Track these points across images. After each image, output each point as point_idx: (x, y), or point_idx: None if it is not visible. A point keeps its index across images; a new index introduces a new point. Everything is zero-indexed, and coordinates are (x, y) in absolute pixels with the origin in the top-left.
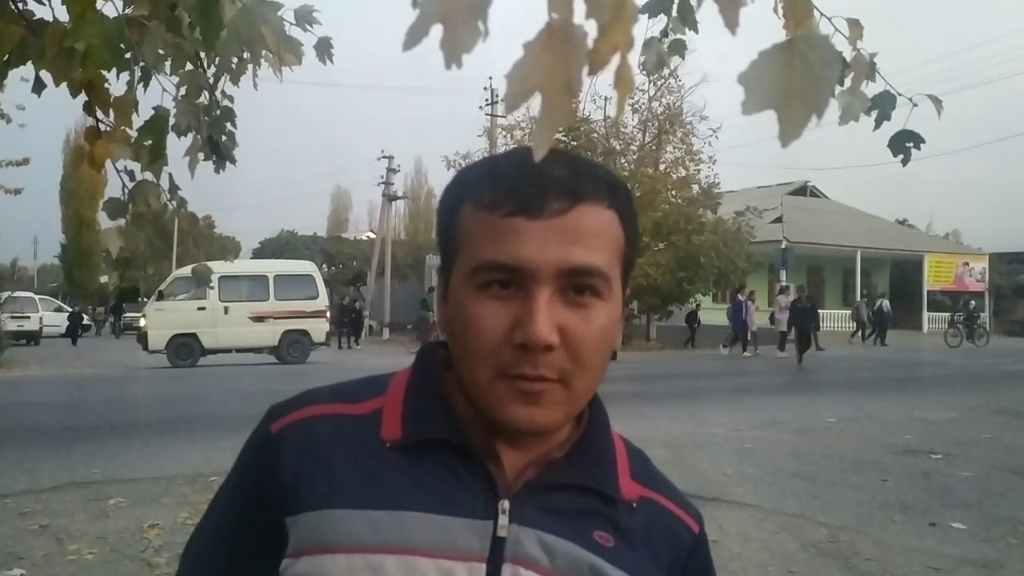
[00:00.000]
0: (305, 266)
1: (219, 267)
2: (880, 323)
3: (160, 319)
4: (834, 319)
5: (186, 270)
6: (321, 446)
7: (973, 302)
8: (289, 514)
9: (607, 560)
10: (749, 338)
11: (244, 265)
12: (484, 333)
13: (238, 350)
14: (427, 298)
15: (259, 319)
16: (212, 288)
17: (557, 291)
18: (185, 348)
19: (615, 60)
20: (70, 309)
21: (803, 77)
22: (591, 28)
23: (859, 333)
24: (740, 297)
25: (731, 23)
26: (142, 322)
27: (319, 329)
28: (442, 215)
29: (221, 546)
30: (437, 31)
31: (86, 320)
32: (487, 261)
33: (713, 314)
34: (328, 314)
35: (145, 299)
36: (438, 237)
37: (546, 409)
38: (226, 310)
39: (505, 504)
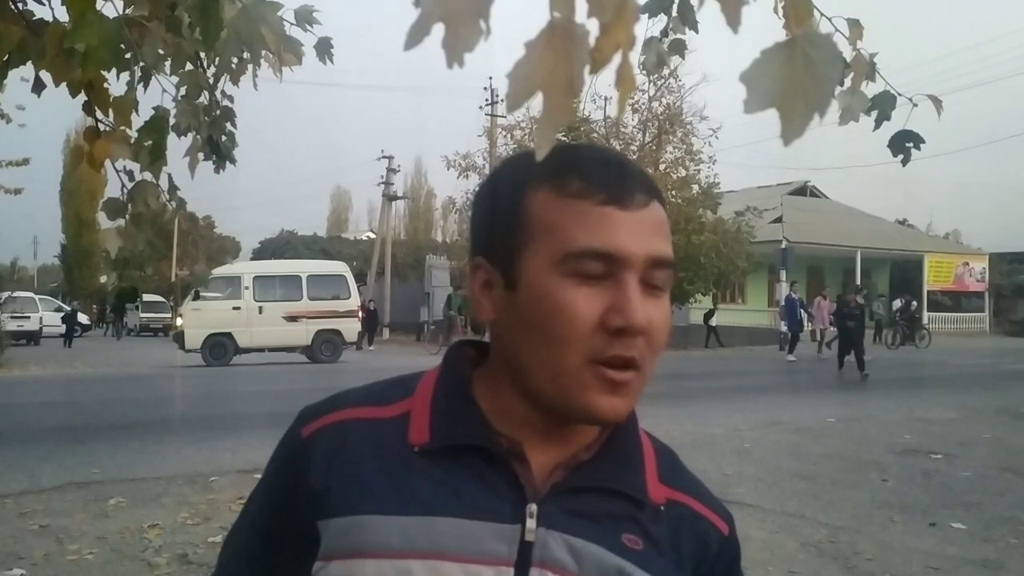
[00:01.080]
0: (337, 266)
1: (253, 267)
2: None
3: (196, 319)
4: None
5: (222, 270)
6: (350, 451)
7: (915, 302)
8: (321, 518)
9: (635, 563)
10: (817, 337)
11: (278, 265)
12: (578, 318)
13: (272, 349)
14: (453, 296)
15: (292, 319)
16: (247, 288)
17: (641, 281)
18: (220, 347)
19: (616, 59)
20: (67, 308)
21: (805, 75)
22: (592, 27)
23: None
24: (792, 295)
25: (733, 22)
26: (178, 321)
27: (351, 329)
28: (499, 201)
29: (255, 545)
30: (439, 30)
31: (85, 320)
32: (583, 248)
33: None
34: (360, 314)
35: (157, 297)
36: (483, 223)
37: (627, 399)
38: (260, 310)
39: (532, 508)
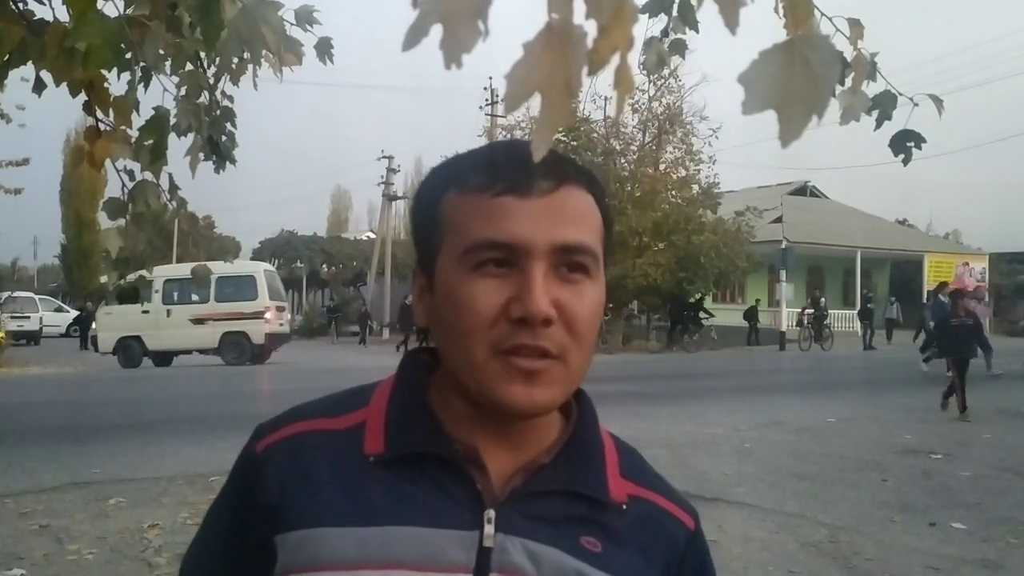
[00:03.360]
0: (249, 267)
1: (164, 271)
2: (922, 324)
3: (109, 322)
4: (835, 319)
5: (136, 275)
6: (305, 464)
7: (823, 298)
8: (276, 533)
9: (594, 566)
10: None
11: (188, 268)
12: (480, 310)
13: (179, 352)
14: None
15: (199, 321)
16: (156, 292)
17: (550, 268)
18: (128, 350)
19: (615, 60)
20: (76, 311)
21: (803, 77)
22: (591, 28)
23: (920, 335)
24: (941, 297)
25: (731, 23)
26: (93, 325)
27: (258, 330)
28: (421, 209)
29: (213, 562)
30: (437, 31)
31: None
32: (480, 240)
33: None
34: (267, 315)
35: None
36: (415, 233)
37: (545, 388)
38: (168, 313)
39: (491, 513)
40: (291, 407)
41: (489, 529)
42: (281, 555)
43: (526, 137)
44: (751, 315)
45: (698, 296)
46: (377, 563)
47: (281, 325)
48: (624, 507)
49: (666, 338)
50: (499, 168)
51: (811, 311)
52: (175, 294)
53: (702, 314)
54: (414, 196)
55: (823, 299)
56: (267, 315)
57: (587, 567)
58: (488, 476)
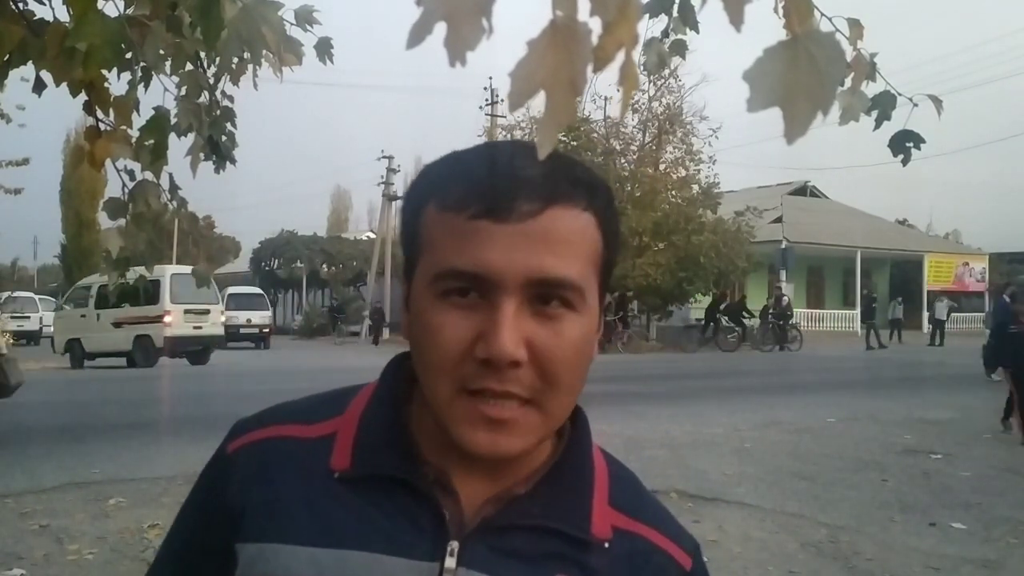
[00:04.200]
0: (156, 271)
1: (96, 278)
2: (936, 324)
3: (60, 325)
4: (835, 319)
5: (87, 280)
6: (270, 472)
7: (786, 297)
8: (238, 540)
9: None
10: None
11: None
12: (445, 345)
13: (107, 354)
14: None
15: (118, 325)
16: (92, 297)
17: (525, 301)
18: (73, 352)
19: (620, 57)
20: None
21: (809, 74)
22: (595, 25)
23: (936, 335)
24: (1006, 298)
25: (736, 20)
26: (49, 329)
27: (158, 334)
28: (405, 215)
29: (180, 559)
30: (441, 29)
31: None
32: (448, 268)
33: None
34: (167, 318)
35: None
36: (401, 238)
37: (512, 437)
38: (98, 317)
39: (453, 545)
40: (275, 404)
41: (450, 562)
42: (240, 564)
43: (527, 137)
44: (766, 314)
45: (742, 296)
46: None
47: (198, 328)
48: (606, 546)
49: (699, 337)
50: (479, 185)
51: (773, 311)
52: (104, 298)
53: (744, 314)
54: (404, 196)
55: (786, 297)
56: (167, 318)
57: None
58: (459, 503)
